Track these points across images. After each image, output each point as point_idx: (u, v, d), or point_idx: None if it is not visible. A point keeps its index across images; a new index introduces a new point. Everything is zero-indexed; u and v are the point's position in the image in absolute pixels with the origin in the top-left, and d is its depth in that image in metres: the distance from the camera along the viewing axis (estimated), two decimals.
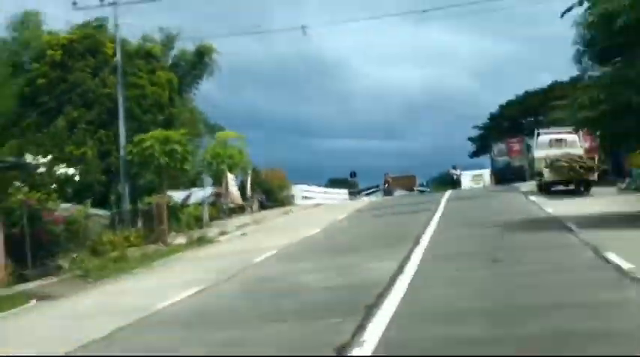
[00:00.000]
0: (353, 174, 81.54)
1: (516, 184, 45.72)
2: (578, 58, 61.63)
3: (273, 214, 39.96)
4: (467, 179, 66.30)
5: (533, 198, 31.33)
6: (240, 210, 40.38)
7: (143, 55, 51.07)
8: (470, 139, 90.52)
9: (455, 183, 60.19)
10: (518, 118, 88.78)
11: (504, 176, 56.44)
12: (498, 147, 65.03)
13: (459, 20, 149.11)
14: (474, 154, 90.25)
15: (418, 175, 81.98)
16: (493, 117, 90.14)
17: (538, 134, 36.70)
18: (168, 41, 57.85)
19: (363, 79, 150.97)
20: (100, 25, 48.31)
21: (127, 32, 44.02)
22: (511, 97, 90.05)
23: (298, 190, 53.91)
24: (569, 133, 35.48)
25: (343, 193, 69.52)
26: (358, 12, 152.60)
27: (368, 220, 30.30)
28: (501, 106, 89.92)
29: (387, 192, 58.99)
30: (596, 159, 32.85)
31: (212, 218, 36.49)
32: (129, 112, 42.65)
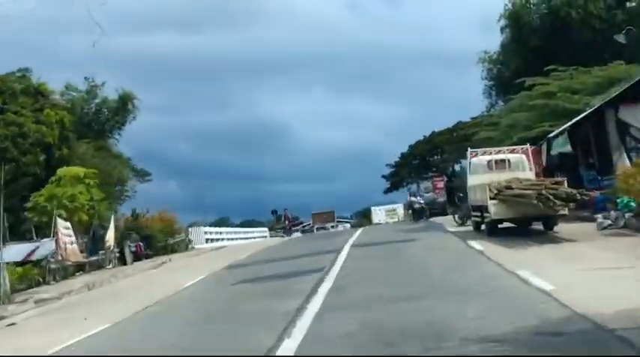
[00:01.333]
0: (274, 212, 65.34)
1: (435, 220, 30.52)
2: (487, 92, 45.89)
3: (135, 270, 23.33)
4: (381, 214, 51.13)
5: (477, 245, 15.38)
6: (91, 266, 23.68)
7: (32, 93, 35.95)
8: (383, 176, 74.89)
9: (418, 213, 36.78)
10: (426, 155, 73.73)
11: (430, 211, 43.52)
12: (424, 184, 53.63)
13: (371, 93, 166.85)
14: (388, 191, 74.76)
15: (346, 210, 79.86)
16: (404, 156, 74.79)
17: (472, 155, 20.53)
18: (92, 90, 44.25)
19: (301, 137, 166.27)
20: (23, 75, 36.38)
21: (49, 80, 34.12)
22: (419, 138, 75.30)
23: (200, 233, 37.41)
24: (513, 151, 19.84)
25: (264, 230, 53.65)
26: (295, 86, 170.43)
27: (205, 300, 13.58)
28: (411, 146, 74.73)
29: (288, 231, 41.31)
30: (566, 184, 16.65)
31: (36, 284, 19.94)
32: (3, 153, 30.61)
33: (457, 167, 75.01)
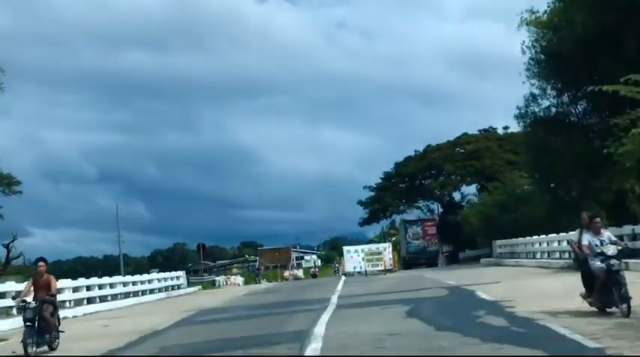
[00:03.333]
0: (201, 248, 45.69)
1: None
2: (531, 71, 27.83)
3: None
4: (357, 259, 32.43)
5: None
6: None
7: None
8: (360, 203, 55.78)
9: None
10: (417, 177, 55.20)
11: (417, 261, 40.06)
12: (413, 229, 46.75)
13: (344, 121, 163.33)
14: (365, 222, 55.80)
15: (315, 240, 71.58)
16: (388, 176, 56.06)
17: None
18: None
19: (272, 163, 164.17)
20: None
21: None
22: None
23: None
24: None
25: (178, 277, 34.65)
26: (265, 111, 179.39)
27: None
28: (397, 164, 56.09)
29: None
30: None
31: None
32: None
33: (457, 195, 57.08)
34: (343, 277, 32.54)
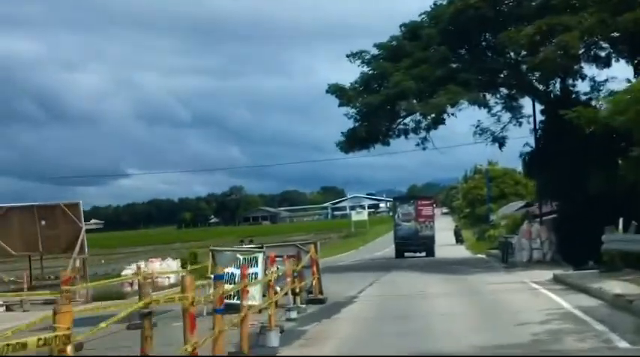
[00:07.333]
0: None
1: None
2: None
3: None
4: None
5: None
6: None
7: None
8: (335, 91, 23.56)
9: None
10: (478, 29, 22.90)
11: (408, 247, 33.51)
12: (404, 209, 35.10)
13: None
14: (349, 144, 24.22)
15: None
16: (412, 27, 23.79)
17: None
18: None
19: None
20: None
21: None
22: None
23: None
24: None
25: None
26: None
27: None
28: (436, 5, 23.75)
29: None
30: None
31: None
32: None
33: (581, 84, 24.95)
34: None
